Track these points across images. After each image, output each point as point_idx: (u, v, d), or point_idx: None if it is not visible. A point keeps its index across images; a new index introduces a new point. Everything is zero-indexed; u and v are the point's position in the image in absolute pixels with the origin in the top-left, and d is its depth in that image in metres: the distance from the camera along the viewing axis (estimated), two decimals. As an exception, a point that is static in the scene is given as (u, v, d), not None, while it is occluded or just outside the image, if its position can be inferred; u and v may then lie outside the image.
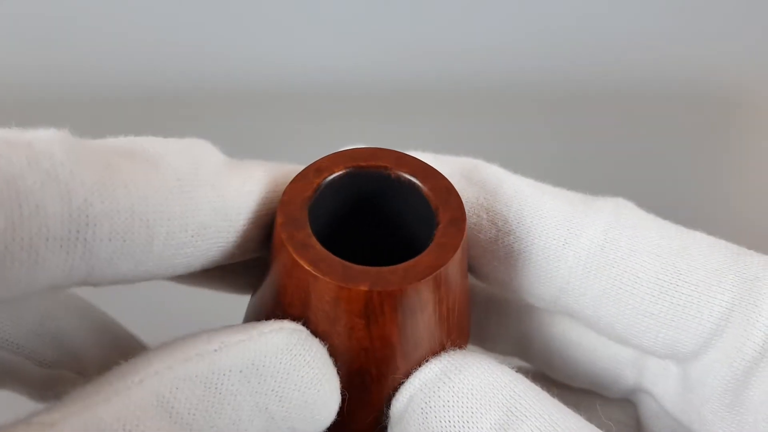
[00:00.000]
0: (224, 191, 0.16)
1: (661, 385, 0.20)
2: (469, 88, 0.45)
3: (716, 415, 0.18)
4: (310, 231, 0.16)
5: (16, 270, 0.13)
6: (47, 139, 0.14)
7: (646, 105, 0.45)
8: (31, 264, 0.13)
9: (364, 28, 0.46)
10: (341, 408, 0.16)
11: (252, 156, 0.18)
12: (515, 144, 0.43)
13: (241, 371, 0.14)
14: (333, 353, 0.16)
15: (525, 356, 0.22)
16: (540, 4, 0.47)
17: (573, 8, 0.47)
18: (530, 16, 0.47)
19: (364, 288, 0.15)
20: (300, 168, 0.17)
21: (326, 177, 0.17)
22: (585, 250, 0.18)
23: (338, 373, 0.16)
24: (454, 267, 0.16)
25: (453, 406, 0.16)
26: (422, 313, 0.16)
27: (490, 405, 0.16)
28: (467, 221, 0.18)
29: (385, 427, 0.17)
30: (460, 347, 0.18)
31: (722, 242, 0.18)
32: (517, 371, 0.17)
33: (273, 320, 0.16)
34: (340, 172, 0.17)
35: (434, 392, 0.16)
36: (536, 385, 0.16)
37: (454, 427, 0.16)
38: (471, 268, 0.19)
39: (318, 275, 0.15)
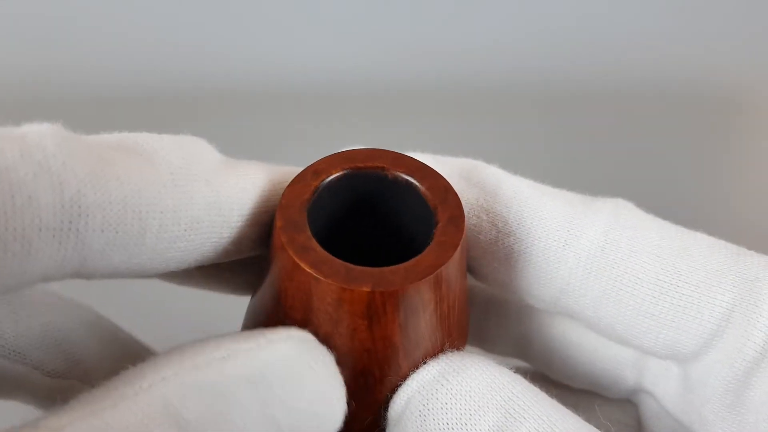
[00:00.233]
0: (219, 187, 0.16)
1: (661, 385, 0.20)
2: (469, 88, 0.45)
3: (717, 416, 0.18)
4: (310, 233, 0.16)
5: (9, 261, 0.13)
6: (39, 132, 0.14)
7: (646, 105, 0.45)
8: (24, 255, 0.13)
9: (364, 28, 0.46)
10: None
11: (251, 156, 0.18)
12: (515, 144, 0.43)
13: (248, 379, 0.14)
14: (336, 355, 0.16)
15: (525, 357, 0.22)
16: (540, 4, 0.47)
17: (573, 8, 0.47)
18: (530, 16, 0.47)
19: (366, 289, 0.15)
20: (297, 170, 0.17)
21: (324, 179, 0.17)
22: (585, 251, 0.18)
23: (341, 374, 0.16)
24: (454, 265, 0.16)
25: (451, 409, 0.16)
26: (424, 312, 0.16)
27: (488, 407, 0.16)
28: (467, 222, 0.18)
29: (383, 429, 0.17)
30: (460, 347, 0.18)
31: (722, 243, 0.18)
32: (515, 372, 0.17)
33: (281, 328, 0.16)
34: (338, 174, 0.17)
35: (432, 394, 0.16)
36: (535, 385, 0.16)
37: (452, 429, 0.16)
38: (471, 269, 0.19)
39: (320, 277, 0.15)
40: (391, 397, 0.17)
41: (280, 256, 0.16)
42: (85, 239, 0.14)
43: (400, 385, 0.17)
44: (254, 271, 0.19)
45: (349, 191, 0.17)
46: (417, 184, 0.17)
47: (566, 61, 0.46)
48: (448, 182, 0.17)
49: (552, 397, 0.16)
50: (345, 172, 0.17)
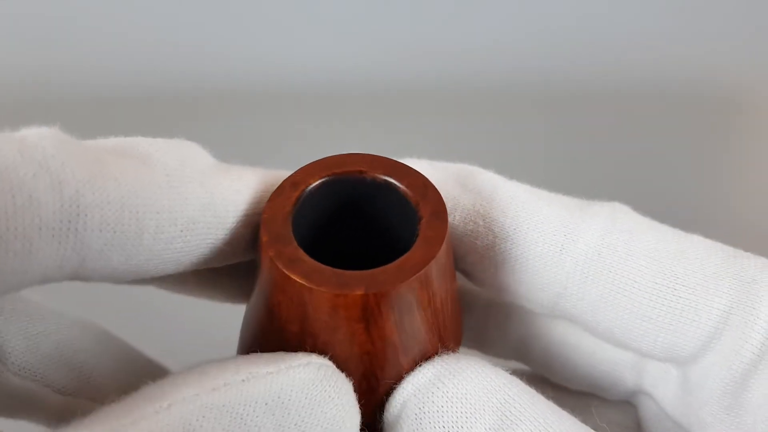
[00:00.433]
0: (213, 189, 0.16)
1: (660, 387, 0.20)
2: (468, 88, 0.45)
3: (715, 418, 0.18)
4: (296, 245, 0.16)
5: (11, 260, 0.13)
6: (38, 134, 0.14)
7: (646, 105, 0.45)
8: (25, 254, 0.14)
9: (364, 28, 0.46)
10: None
11: (251, 156, 0.18)
12: (515, 144, 0.43)
13: (266, 403, 0.14)
14: (337, 362, 0.16)
15: (524, 360, 0.22)
16: (540, 4, 0.47)
17: (573, 8, 0.47)
18: (530, 16, 0.47)
19: (359, 292, 0.15)
20: (289, 173, 0.17)
21: (304, 189, 0.17)
22: (582, 255, 0.18)
23: None
24: (442, 259, 0.16)
25: (447, 412, 0.16)
26: (418, 307, 0.16)
27: (484, 409, 0.16)
28: (464, 228, 0.18)
29: None
30: (455, 346, 0.18)
31: (719, 245, 0.18)
32: (512, 374, 0.17)
33: (301, 354, 0.16)
34: (317, 183, 0.17)
35: (428, 398, 0.16)
36: (533, 387, 0.16)
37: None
38: (469, 275, 0.19)
39: (312, 287, 0.15)
40: (387, 400, 0.17)
41: (269, 270, 0.16)
42: (84, 239, 0.14)
43: (396, 388, 0.17)
44: (249, 276, 0.19)
45: (330, 198, 0.17)
46: (396, 183, 0.17)
47: (566, 61, 0.46)
48: (426, 178, 0.17)
49: (550, 400, 0.16)
50: (324, 179, 0.17)
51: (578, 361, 0.21)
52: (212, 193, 0.16)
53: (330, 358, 0.16)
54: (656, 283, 0.17)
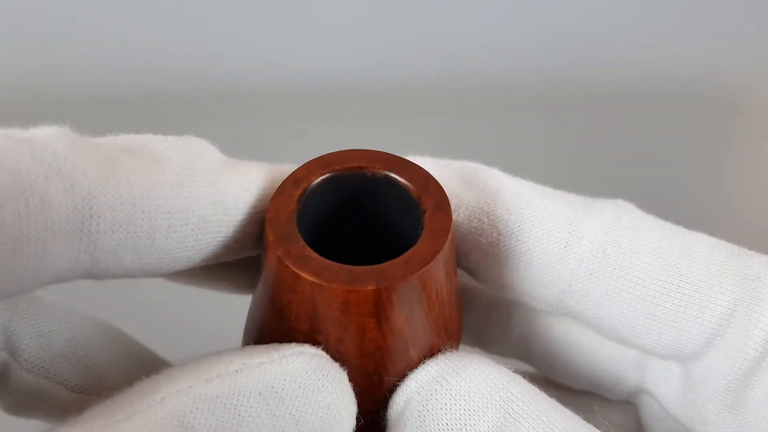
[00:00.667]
0: (222, 186, 0.16)
1: (663, 385, 0.20)
2: (469, 88, 0.45)
3: (718, 416, 0.18)
4: (304, 243, 0.16)
5: (25, 262, 0.14)
6: (49, 135, 0.14)
7: (646, 105, 0.45)
8: (39, 256, 0.14)
9: (364, 28, 0.46)
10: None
11: (251, 156, 0.18)
12: (515, 144, 0.43)
13: (260, 393, 0.14)
14: (349, 358, 0.16)
15: (526, 359, 0.22)
16: (540, 4, 0.47)
17: (573, 8, 0.47)
18: (530, 16, 0.47)
19: (371, 287, 0.15)
20: (296, 168, 0.17)
21: (306, 187, 0.17)
22: (586, 252, 0.18)
23: (356, 375, 0.16)
24: (448, 250, 0.17)
25: (450, 409, 0.16)
26: (427, 299, 0.16)
27: (487, 407, 0.16)
28: (468, 225, 0.18)
29: (383, 429, 0.17)
30: (456, 340, 0.18)
31: (723, 243, 0.18)
32: (514, 372, 0.17)
33: (294, 344, 0.16)
34: (319, 180, 0.17)
35: (431, 395, 0.16)
36: (535, 386, 0.16)
37: (452, 430, 0.16)
38: (472, 272, 0.19)
39: (323, 284, 0.15)
40: (391, 396, 0.17)
41: (277, 270, 0.16)
42: (97, 240, 0.14)
43: (399, 384, 0.17)
44: (258, 267, 0.19)
45: (332, 195, 0.17)
46: (397, 177, 0.17)
47: (566, 61, 0.46)
48: (426, 171, 0.17)
49: (552, 398, 0.16)
50: (325, 177, 0.17)
51: (580, 360, 0.21)
52: (222, 190, 0.16)
53: (342, 355, 0.16)
54: (660, 280, 0.17)
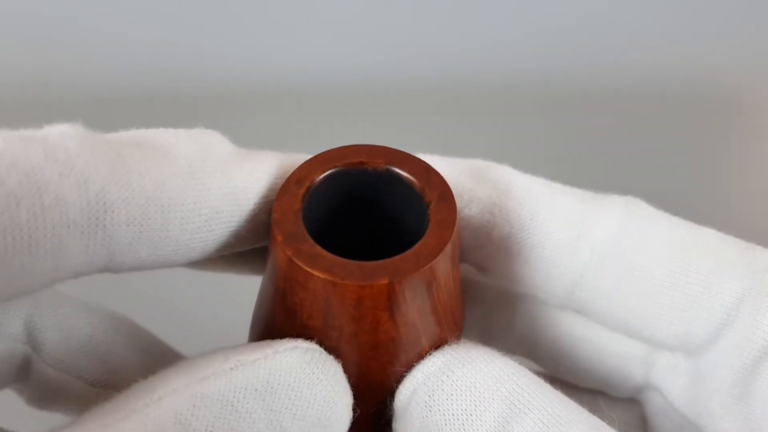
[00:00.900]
0: (234, 177, 0.17)
1: (670, 380, 0.20)
2: (469, 88, 0.46)
3: (724, 408, 0.18)
4: (313, 241, 0.16)
5: (42, 258, 0.14)
6: (61, 133, 0.15)
7: (646, 105, 0.45)
8: (56, 251, 0.14)
9: (364, 28, 0.46)
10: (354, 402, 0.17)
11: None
12: (515, 144, 0.43)
13: (256, 389, 0.15)
14: (363, 351, 0.16)
15: (531, 356, 0.22)
16: (540, 4, 0.47)
17: (573, 8, 0.47)
18: (530, 16, 0.47)
19: (384, 282, 0.15)
20: (306, 157, 0.18)
21: (309, 185, 0.17)
22: (599, 243, 0.18)
23: (370, 366, 0.16)
24: (455, 241, 0.17)
25: (456, 400, 0.16)
26: (437, 290, 0.16)
27: (492, 398, 0.16)
28: (480, 220, 0.18)
29: (389, 420, 0.17)
30: (458, 330, 0.18)
31: (731, 237, 0.18)
32: (519, 364, 0.17)
33: (288, 339, 0.16)
34: (321, 177, 0.17)
35: (438, 386, 0.16)
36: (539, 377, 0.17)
37: (458, 420, 0.16)
38: (483, 267, 0.20)
39: (337, 281, 0.15)
40: (397, 387, 0.17)
41: (288, 270, 0.16)
42: (112, 234, 0.15)
43: (406, 375, 0.17)
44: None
45: (335, 191, 0.18)
46: (398, 171, 0.17)
47: (566, 61, 0.46)
48: (427, 163, 0.17)
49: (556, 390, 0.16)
50: (327, 174, 0.17)
51: (588, 355, 0.21)
52: (234, 181, 0.17)
53: (356, 348, 0.16)
54: (670, 270, 0.18)
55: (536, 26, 0.47)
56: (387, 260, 0.16)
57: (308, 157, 0.18)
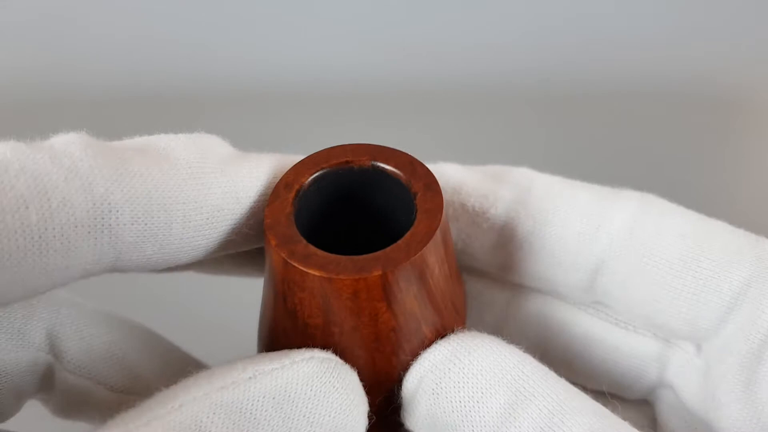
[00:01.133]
0: (233, 176, 0.17)
1: (683, 377, 0.20)
2: (468, 88, 0.46)
3: (731, 396, 0.18)
4: (306, 242, 0.16)
5: (52, 257, 0.15)
6: (66, 140, 0.16)
7: (646, 105, 0.45)
8: (65, 251, 0.15)
9: (364, 28, 0.46)
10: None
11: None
12: (515, 144, 0.43)
13: (274, 398, 0.15)
14: (366, 344, 0.17)
15: (544, 359, 0.22)
16: (540, 4, 0.47)
17: (573, 8, 0.47)
18: (529, 16, 0.47)
19: (377, 273, 0.16)
20: (302, 157, 0.18)
21: (298, 189, 0.17)
22: (617, 232, 0.19)
23: (375, 359, 0.17)
24: (444, 227, 0.17)
25: (463, 387, 0.16)
26: (432, 277, 0.17)
27: (498, 386, 0.16)
28: (505, 217, 0.19)
29: (397, 407, 0.18)
30: (461, 319, 0.19)
31: (741, 230, 0.19)
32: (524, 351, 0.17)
33: (304, 349, 0.16)
34: (309, 180, 0.18)
35: (444, 374, 0.17)
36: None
37: (464, 407, 0.16)
38: (503, 266, 0.20)
39: (332, 276, 0.16)
40: (404, 375, 0.17)
41: (285, 272, 0.16)
42: (118, 233, 0.16)
43: (412, 364, 0.17)
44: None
45: (324, 192, 0.18)
46: (383, 166, 0.18)
47: (566, 60, 0.46)
48: (411, 156, 0.18)
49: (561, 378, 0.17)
50: (315, 176, 0.18)
51: (601, 356, 0.21)
52: (233, 180, 0.17)
53: (359, 341, 0.17)
54: (683, 256, 0.18)
55: (536, 26, 0.47)
56: (379, 252, 0.16)
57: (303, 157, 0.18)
